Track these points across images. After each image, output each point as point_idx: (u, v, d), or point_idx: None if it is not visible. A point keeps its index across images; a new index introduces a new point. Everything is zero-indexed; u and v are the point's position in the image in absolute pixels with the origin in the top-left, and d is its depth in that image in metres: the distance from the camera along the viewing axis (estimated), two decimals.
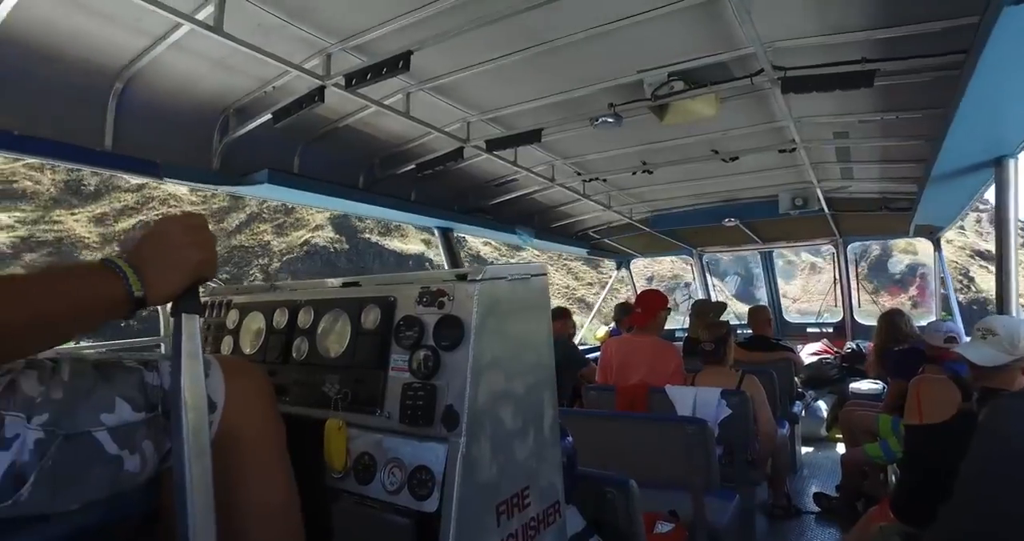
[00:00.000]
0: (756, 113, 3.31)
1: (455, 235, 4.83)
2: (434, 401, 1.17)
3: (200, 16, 2.09)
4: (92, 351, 2.04)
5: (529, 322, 1.31)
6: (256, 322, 1.55)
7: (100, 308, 0.78)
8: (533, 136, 3.32)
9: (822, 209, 4.98)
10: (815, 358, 6.11)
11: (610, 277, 7.98)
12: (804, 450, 5.13)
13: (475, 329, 1.16)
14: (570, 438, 1.50)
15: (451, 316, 1.18)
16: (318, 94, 2.55)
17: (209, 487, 0.83)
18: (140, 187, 22.12)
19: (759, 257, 7.12)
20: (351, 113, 3.07)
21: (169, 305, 0.87)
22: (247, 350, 1.55)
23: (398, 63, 2.35)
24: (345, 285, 1.46)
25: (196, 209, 21.31)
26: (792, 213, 4.83)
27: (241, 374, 1.05)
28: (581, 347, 5.68)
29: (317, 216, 22.46)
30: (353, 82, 2.48)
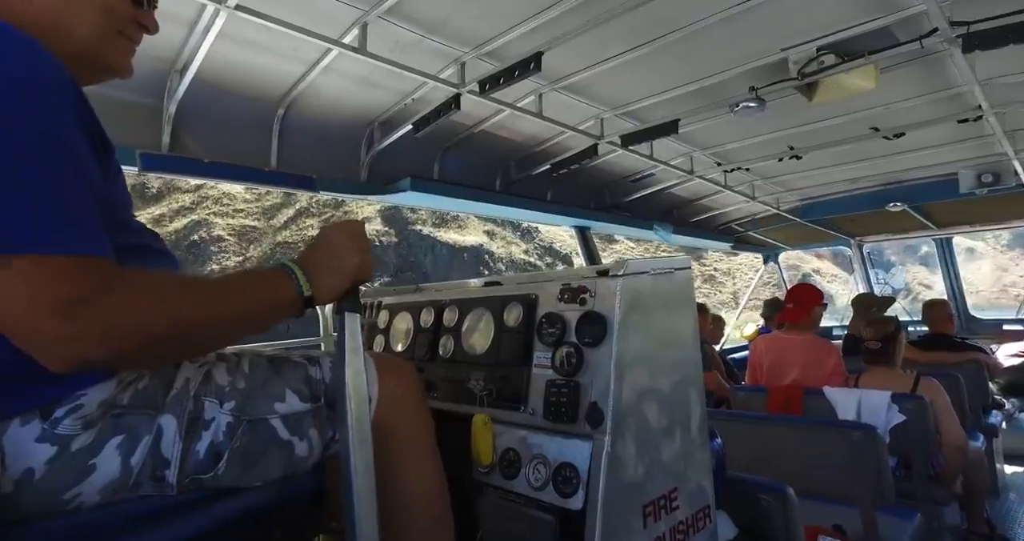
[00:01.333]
0: (927, 81, 2.93)
1: (591, 232, 4.79)
2: (578, 398, 1.16)
3: (347, 40, 2.27)
4: (265, 346, 2.26)
5: (673, 317, 1.26)
6: (405, 322, 1.64)
7: (278, 306, 0.86)
8: (669, 128, 3.20)
9: (1022, 184, 4.26)
10: (1017, 360, 5.22)
11: (714, 270, 7.46)
12: (1009, 469, 4.38)
13: (618, 325, 1.14)
14: (719, 440, 1.43)
15: (593, 312, 1.17)
16: (454, 102, 2.66)
17: (371, 472, 0.89)
18: (198, 187, 22.04)
19: (932, 245, 6.31)
20: (486, 118, 3.16)
21: (331, 305, 0.95)
22: (397, 348, 1.64)
23: (529, 65, 2.38)
24: (487, 284, 1.50)
25: (249, 206, 21.94)
26: (978, 192, 4.19)
27: (393, 370, 1.11)
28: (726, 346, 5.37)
29: (367, 209, 22.08)
30: (487, 87, 2.54)
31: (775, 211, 5.33)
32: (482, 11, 2.27)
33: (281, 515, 1.05)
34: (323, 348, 3.21)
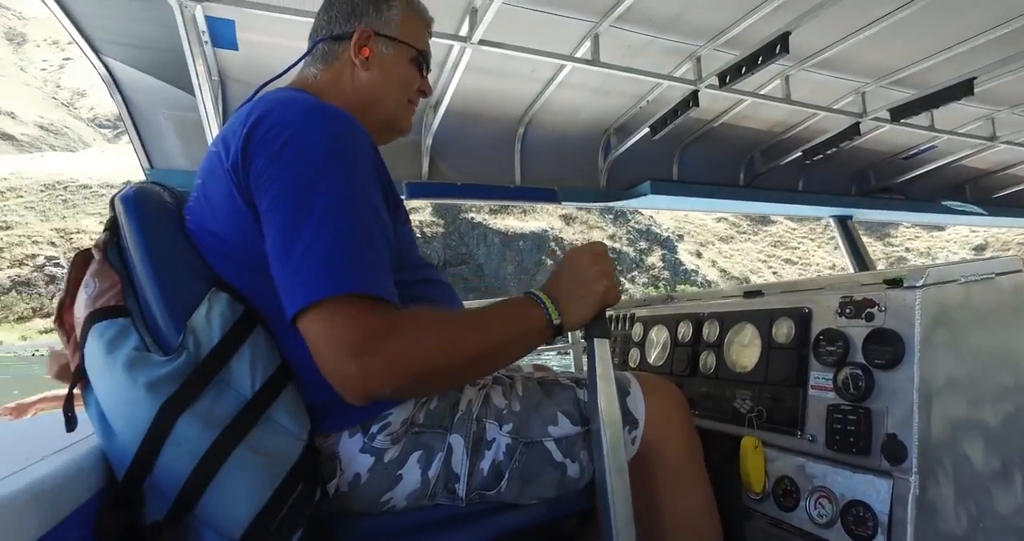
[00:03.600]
0: None
1: (854, 222, 4.20)
2: (870, 427, 1.01)
3: (579, 53, 2.31)
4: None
5: (1000, 334, 1.03)
6: (661, 335, 1.60)
7: (531, 335, 0.89)
8: (960, 90, 2.66)
9: None
10: None
11: (905, 251, 5.79)
12: None
13: (919, 344, 0.96)
14: None
15: (885, 330, 1.01)
16: (692, 99, 2.54)
17: (628, 499, 0.87)
18: None
19: None
20: (726, 110, 2.97)
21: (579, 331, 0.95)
22: (653, 362, 1.61)
23: (775, 48, 2.17)
24: (747, 294, 1.39)
25: None
26: None
27: (659, 391, 1.09)
28: None
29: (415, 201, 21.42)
30: (727, 80, 2.39)
31: None
32: (716, 2, 2.14)
33: (554, 531, 1.10)
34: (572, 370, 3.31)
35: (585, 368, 0.96)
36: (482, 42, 2.09)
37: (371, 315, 0.75)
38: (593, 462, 1.03)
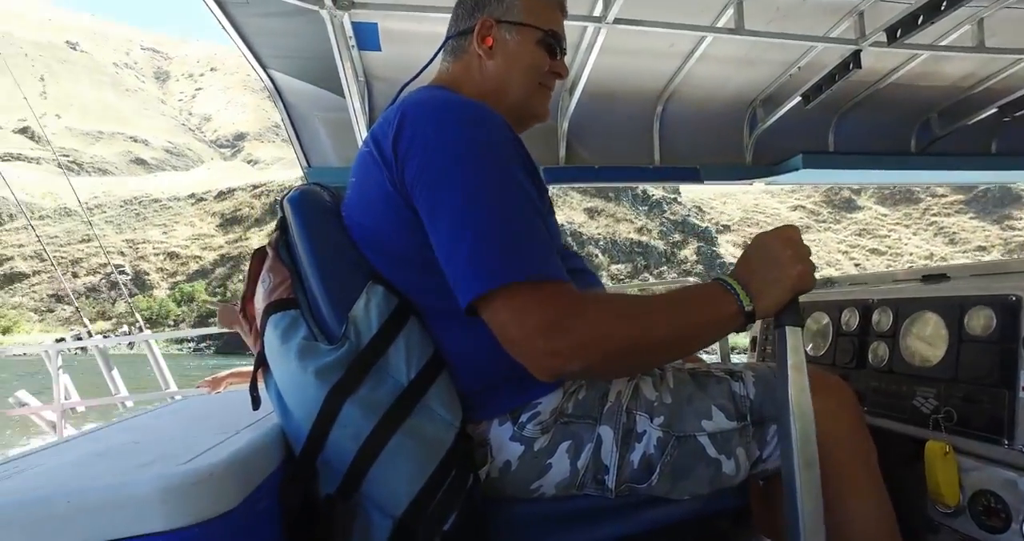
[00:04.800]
0: None
1: None
2: None
3: (721, 23, 2.15)
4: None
5: None
6: (819, 322, 1.46)
7: (720, 322, 0.85)
8: None
9: None
10: None
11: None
12: None
13: None
14: None
15: None
16: (852, 60, 2.28)
17: (818, 497, 0.80)
18: None
19: None
20: (895, 69, 2.63)
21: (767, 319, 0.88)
22: (812, 352, 1.47)
23: None
24: (928, 279, 1.22)
25: None
26: None
27: (826, 386, 0.99)
28: None
29: None
30: (897, 34, 2.10)
31: None
32: None
33: (704, 529, 1.04)
34: (746, 359, 3.14)
35: (756, 357, 0.90)
36: (617, 21, 2.02)
37: (557, 297, 0.78)
38: (749, 459, 0.96)
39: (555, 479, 0.92)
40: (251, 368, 0.98)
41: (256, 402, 0.95)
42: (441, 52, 1.13)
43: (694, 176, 2.85)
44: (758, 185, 3.12)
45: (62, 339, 3.69)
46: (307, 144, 2.47)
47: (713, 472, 0.94)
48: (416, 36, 2.04)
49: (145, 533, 0.61)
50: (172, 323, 69.35)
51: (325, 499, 0.83)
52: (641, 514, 0.97)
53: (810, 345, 1.48)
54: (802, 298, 1.55)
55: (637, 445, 0.93)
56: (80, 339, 3.63)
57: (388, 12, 1.88)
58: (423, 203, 0.84)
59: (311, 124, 2.43)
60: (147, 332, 3.71)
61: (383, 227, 0.92)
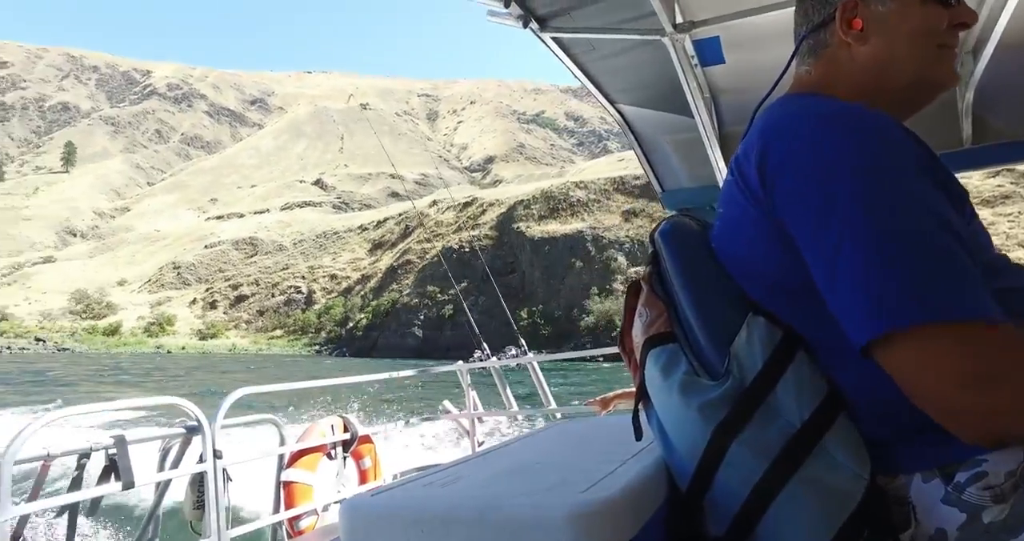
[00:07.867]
0: None
1: None
2: None
3: None
4: None
5: None
6: None
7: None
8: None
9: None
10: None
11: None
12: None
13: None
14: None
15: None
16: None
17: None
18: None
19: None
20: None
21: None
22: None
23: None
24: None
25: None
26: None
27: None
28: None
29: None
30: None
31: None
32: None
33: None
34: None
35: None
36: None
37: (988, 340, 0.64)
38: None
39: None
40: (635, 389, 1.01)
41: (638, 432, 0.97)
42: (796, 57, 0.99)
43: None
44: None
45: (471, 359, 4.55)
46: (659, 169, 2.52)
47: None
48: (757, 40, 1.90)
49: None
50: (314, 331, 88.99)
51: (714, 540, 0.80)
52: None
53: None
54: None
55: None
56: (481, 360, 4.39)
57: (729, 22, 1.80)
58: (801, 231, 0.76)
59: (661, 148, 2.48)
60: (530, 354, 4.30)
61: (757, 256, 0.85)
